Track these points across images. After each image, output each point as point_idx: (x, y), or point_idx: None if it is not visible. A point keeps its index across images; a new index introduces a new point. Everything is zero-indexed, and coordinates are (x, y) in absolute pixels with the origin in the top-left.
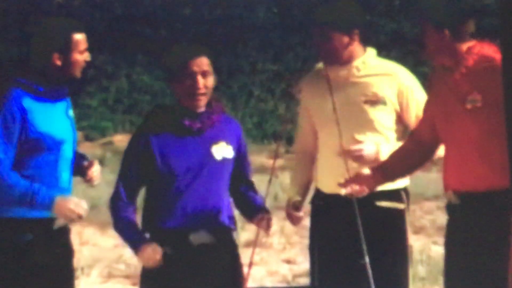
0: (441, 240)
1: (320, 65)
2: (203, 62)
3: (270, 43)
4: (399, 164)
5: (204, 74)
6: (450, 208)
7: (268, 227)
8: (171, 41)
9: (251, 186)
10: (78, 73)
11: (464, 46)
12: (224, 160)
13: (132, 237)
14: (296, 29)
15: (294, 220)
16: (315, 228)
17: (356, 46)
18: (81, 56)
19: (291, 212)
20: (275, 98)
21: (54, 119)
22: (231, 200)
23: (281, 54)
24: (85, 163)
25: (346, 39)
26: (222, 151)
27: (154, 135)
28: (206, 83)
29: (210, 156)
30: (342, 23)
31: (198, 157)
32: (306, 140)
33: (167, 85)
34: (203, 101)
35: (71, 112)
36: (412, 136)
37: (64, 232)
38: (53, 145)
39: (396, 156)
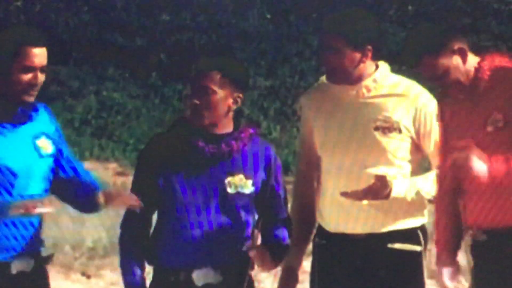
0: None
1: (324, 77)
2: (207, 77)
3: (262, 54)
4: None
5: (206, 91)
6: (476, 249)
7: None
8: (147, 51)
9: (279, 225)
10: (29, 97)
11: (472, 63)
12: (239, 194)
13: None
14: (293, 38)
15: None
16: (316, 272)
17: (368, 63)
18: (35, 76)
19: (288, 283)
20: (269, 118)
21: (12, 147)
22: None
23: (275, 67)
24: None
25: (357, 56)
26: (238, 184)
27: (159, 156)
28: (206, 100)
29: (222, 188)
30: (354, 36)
31: (207, 187)
32: (308, 168)
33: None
34: (202, 121)
35: (41, 140)
36: (447, 192)
37: (25, 277)
38: (5, 179)
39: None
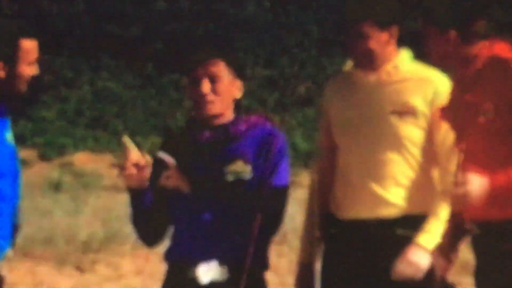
0: (466, 280)
1: (346, 67)
2: (213, 65)
3: (262, 44)
4: None
5: (213, 79)
6: (473, 244)
7: None
8: (143, 40)
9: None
10: (23, 88)
11: (474, 49)
12: (238, 182)
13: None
14: (292, 27)
15: None
16: (326, 259)
17: (393, 46)
18: (29, 69)
19: (305, 285)
20: (268, 109)
21: None
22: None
23: (274, 57)
24: None
25: (385, 37)
26: (238, 171)
27: (171, 151)
28: (215, 88)
29: (222, 177)
30: (381, 18)
31: (208, 177)
32: (327, 160)
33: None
34: (211, 110)
35: (10, 137)
36: None
37: (2, 280)
38: None
39: None
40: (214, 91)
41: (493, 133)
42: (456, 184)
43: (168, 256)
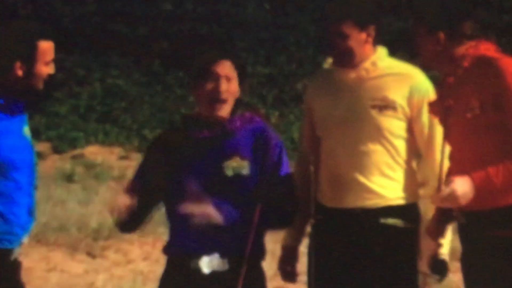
0: (454, 265)
1: (327, 64)
2: (226, 65)
3: (261, 43)
4: None
5: (227, 78)
6: (460, 232)
7: None
8: (150, 40)
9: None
10: (40, 85)
11: (462, 50)
12: (238, 177)
13: None
14: (290, 27)
15: (289, 276)
16: (313, 247)
17: (371, 44)
18: (46, 68)
19: (287, 267)
20: (267, 105)
21: (11, 138)
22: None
23: (273, 56)
24: None
25: (363, 37)
26: (235, 166)
27: (165, 147)
28: (229, 88)
29: (220, 172)
30: (360, 18)
31: (206, 173)
32: (308, 148)
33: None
34: (224, 108)
35: (27, 130)
36: None
37: (18, 265)
38: (10, 171)
39: None
40: (228, 90)
41: (479, 128)
42: (443, 185)
43: (169, 249)
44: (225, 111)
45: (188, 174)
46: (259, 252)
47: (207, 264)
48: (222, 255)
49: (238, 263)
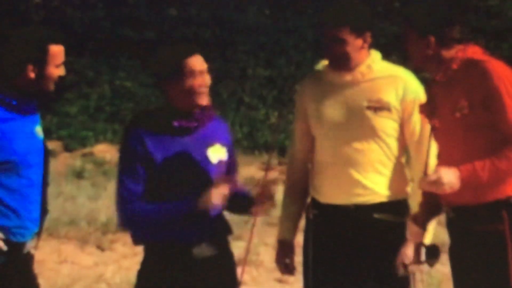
0: (442, 259)
1: (320, 66)
2: (201, 60)
3: (262, 47)
4: None
5: (201, 72)
6: (449, 226)
7: (269, 202)
8: (156, 43)
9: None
10: (51, 87)
11: (451, 53)
12: (220, 163)
13: (180, 204)
14: (289, 31)
15: (287, 269)
16: (308, 241)
17: (366, 49)
18: (57, 70)
19: (284, 260)
20: (267, 105)
21: (23, 137)
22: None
23: (273, 59)
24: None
25: (359, 42)
26: (218, 153)
27: (147, 135)
28: (206, 80)
29: (207, 159)
30: (357, 24)
31: (194, 161)
32: (300, 145)
33: (159, 89)
34: (205, 99)
35: (40, 130)
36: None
37: (31, 257)
38: (22, 168)
39: None
40: (206, 83)
41: (468, 127)
42: (429, 171)
43: (159, 236)
44: (206, 100)
45: (176, 163)
46: (228, 228)
47: (199, 251)
48: (211, 241)
49: (223, 245)
